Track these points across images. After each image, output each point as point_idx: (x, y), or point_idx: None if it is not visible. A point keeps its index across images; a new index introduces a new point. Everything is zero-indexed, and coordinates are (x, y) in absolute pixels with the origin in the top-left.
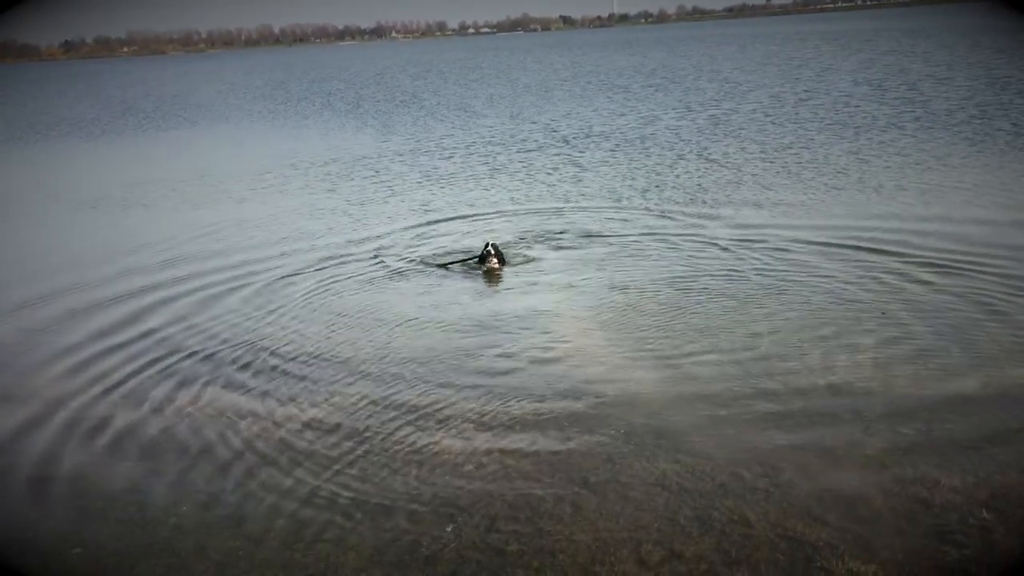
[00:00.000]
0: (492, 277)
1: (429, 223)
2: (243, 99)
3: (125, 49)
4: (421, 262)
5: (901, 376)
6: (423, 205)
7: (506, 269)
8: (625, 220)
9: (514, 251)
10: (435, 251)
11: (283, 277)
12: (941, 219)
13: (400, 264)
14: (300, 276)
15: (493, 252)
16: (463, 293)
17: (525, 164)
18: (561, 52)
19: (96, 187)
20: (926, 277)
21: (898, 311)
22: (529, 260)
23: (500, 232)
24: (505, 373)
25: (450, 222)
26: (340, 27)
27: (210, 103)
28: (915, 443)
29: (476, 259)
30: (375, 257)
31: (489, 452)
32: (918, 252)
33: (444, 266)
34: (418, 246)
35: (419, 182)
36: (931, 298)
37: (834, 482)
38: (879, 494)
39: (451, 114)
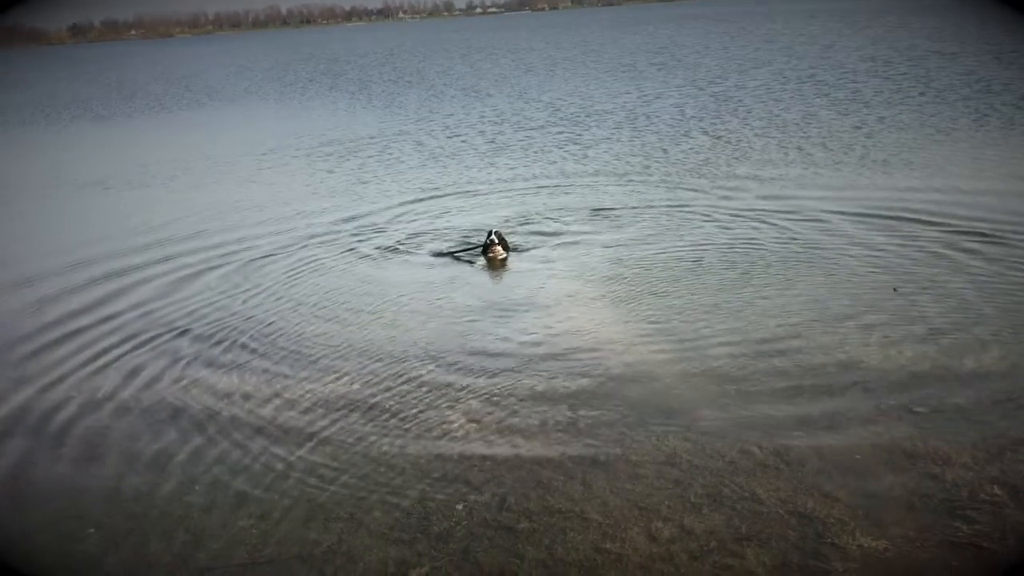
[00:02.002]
0: (496, 265)
1: (433, 199)
2: (251, 81)
3: (133, 32)
4: (423, 249)
5: (912, 352)
6: (427, 183)
7: (511, 255)
8: (631, 197)
9: (519, 233)
10: (440, 232)
11: (280, 258)
12: (949, 190)
13: (403, 247)
14: (301, 258)
15: (497, 240)
16: (468, 275)
17: (531, 143)
18: (568, 31)
19: (104, 168)
20: (935, 248)
21: (909, 285)
22: (534, 242)
23: (505, 211)
24: (513, 353)
25: (455, 202)
26: (347, 8)
27: (218, 85)
28: (926, 419)
29: (479, 248)
30: (377, 238)
31: (499, 431)
32: (927, 222)
33: (447, 255)
34: (422, 227)
35: (424, 162)
36: (941, 270)
37: (845, 459)
38: (890, 470)
39: (458, 94)
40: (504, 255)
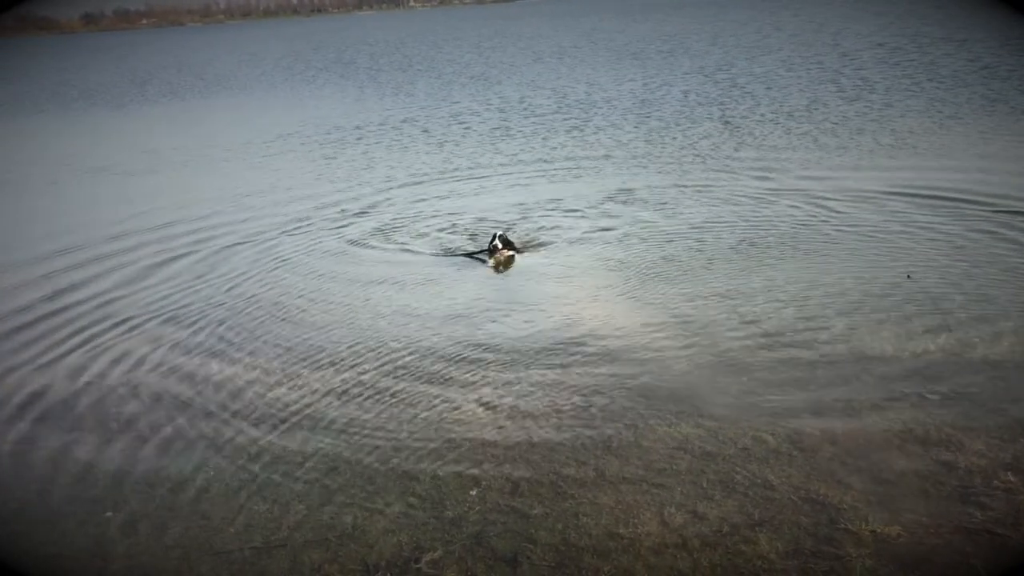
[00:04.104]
0: (504, 266)
1: (438, 185)
2: (261, 69)
3: (144, 21)
4: (427, 240)
5: (925, 338)
6: (433, 169)
7: (517, 256)
8: (639, 182)
9: (526, 221)
10: (446, 221)
11: (281, 244)
12: (960, 175)
13: (406, 238)
14: (305, 245)
15: (501, 245)
16: (474, 269)
17: (538, 129)
18: (579, 19)
19: (115, 155)
20: (946, 233)
21: (923, 271)
22: (542, 229)
23: (512, 198)
24: (524, 341)
25: (462, 187)
26: None
27: (229, 74)
28: (939, 406)
29: (484, 252)
30: (381, 227)
31: (511, 418)
32: (938, 206)
33: (451, 256)
34: (426, 215)
35: (431, 149)
36: (953, 255)
37: (858, 445)
38: (903, 457)
39: (467, 82)
40: (509, 254)
